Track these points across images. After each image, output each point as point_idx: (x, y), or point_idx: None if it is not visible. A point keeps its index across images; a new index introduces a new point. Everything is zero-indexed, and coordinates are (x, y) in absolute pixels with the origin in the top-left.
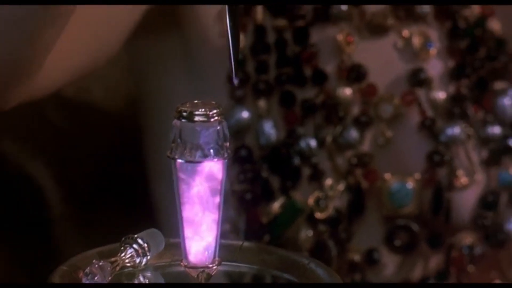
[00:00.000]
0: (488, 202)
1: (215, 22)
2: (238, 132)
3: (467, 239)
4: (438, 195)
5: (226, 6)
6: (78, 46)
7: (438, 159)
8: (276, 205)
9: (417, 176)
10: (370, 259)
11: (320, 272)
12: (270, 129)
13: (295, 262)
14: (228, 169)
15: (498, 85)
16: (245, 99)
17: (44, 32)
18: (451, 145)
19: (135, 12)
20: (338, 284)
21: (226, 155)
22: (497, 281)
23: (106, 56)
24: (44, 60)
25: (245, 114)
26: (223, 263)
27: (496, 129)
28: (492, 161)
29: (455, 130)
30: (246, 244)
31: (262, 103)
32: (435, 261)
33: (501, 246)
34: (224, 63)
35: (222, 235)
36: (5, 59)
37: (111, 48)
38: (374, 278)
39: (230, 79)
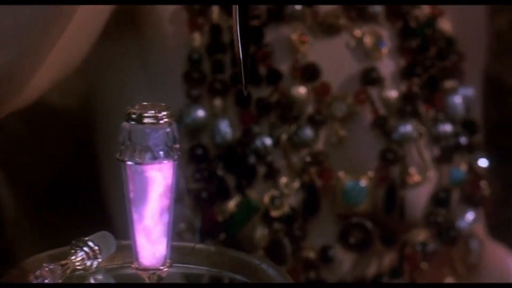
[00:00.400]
0: (440, 199)
1: (171, 21)
2: (194, 131)
3: (420, 236)
4: (391, 193)
5: (236, 6)
6: (58, 52)
7: (391, 156)
8: (232, 204)
9: (371, 174)
10: (325, 256)
11: (272, 272)
12: (225, 128)
13: (247, 263)
14: (181, 169)
15: (449, 84)
16: (201, 99)
17: (43, 40)
18: (403, 142)
19: (105, 13)
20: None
21: (175, 157)
22: (449, 278)
23: (78, 60)
24: (39, 69)
25: (201, 113)
26: (175, 265)
27: (447, 127)
28: (444, 158)
29: (407, 128)
30: (198, 245)
31: (218, 102)
32: (389, 258)
33: (453, 243)
34: (180, 62)
35: (178, 234)
36: (6, 71)
37: (83, 52)
38: (329, 275)
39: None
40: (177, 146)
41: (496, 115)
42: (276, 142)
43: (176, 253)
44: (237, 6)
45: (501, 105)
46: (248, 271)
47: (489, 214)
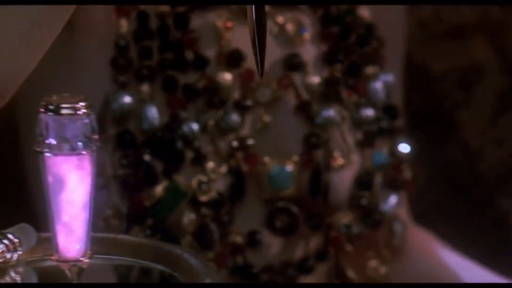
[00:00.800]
0: (363, 182)
1: (98, 7)
2: (121, 117)
3: (344, 218)
4: (316, 177)
5: (252, 6)
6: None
7: (315, 141)
8: (159, 189)
9: (296, 158)
10: (252, 241)
11: (194, 261)
12: (153, 114)
13: (169, 253)
14: (108, 156)
15: (370, 69)
16: (128, 85)
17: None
18: (326, 127)
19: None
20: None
21: (94, 148)
22: (374, 261)
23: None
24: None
25: (127, 99)
26: (96, 256)
27: (369, 112)
28: (366, 142)
29: (330, 113)
30: (120, 236)
31: (145, 88)
32: (315, 241)
33: (377, 226)
34: (107, 49)
35: (104, 220)
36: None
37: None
38: (257, 260)
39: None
40: (96, 136)
41: (420, 102)
42: (203, 128)
43: (97, 245)
44: (253, 6)
45: (425, 92)
46: (171, 261)
47: (411, 197)
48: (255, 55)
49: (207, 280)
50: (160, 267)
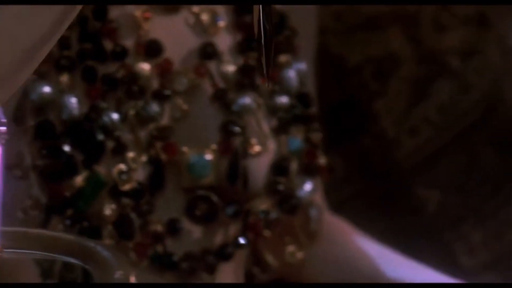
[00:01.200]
0: (280, 169)
1: None
2: (40, 107)
3: (262, 205)
4: (234, 164)
5: (260, 6)
6: None
7: (232, 128)
8: (80, 179)
9: (214, 146)
10: (172, 229)
11: (106, 254)
12: (72, 104)
13: (81, 246)
14: (27, 146)
15: (283, 58)
16: (47, 75)
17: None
18: (243, 114)
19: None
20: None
21: (2, 141)
22: (291, 246)
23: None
24: None
25: (47, 89)
26: (6, 250)
27: (283, 99)
28: (281, 129)
29: (246, 100)
30: (31, 230)
31: (64, 78)
32: (234, 228)
33: (294, 211)
34: None
35: (23, 211)
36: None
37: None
38: (177, 248)
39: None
40: (4, 128)
41: (336, 91)
42: (123, 118)
43: (7, 239)
44: (260, 6)
45: (342, 83)
46: (83, 254)
47: (327, 186)
48: (261, 57)
49: (118, 273)
50: (73, 260)
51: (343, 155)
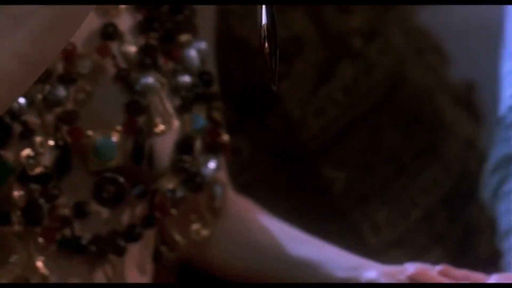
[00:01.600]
0: (184, 147)
1: None
2: None
3: (169, 183)
4: (139, 144)
5: (263, 6)
6: None
7: (136, 108)
8: None
9: (119, 128)
10: (80, 212)
11: None
12: None
13: None
14: None
15: (184, 37)
16: None
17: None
18: (146, 94)
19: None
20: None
21: None
22: (196, 224)
23: None
24: None
25: None
26: None
27: (186, 78)
28: (185, 107)
29: (149, 80)
30: None
31: None
32: (141, 208)
33: (199, 189)
34: None
35: None
36: None
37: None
38: (85, 231)
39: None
40: None
41: (239, 73)
42: (31, 102)
43: None
44: (264, 6)
45: (246, 65)
46: None
47: (229, 160)
48: (266, 61)
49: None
50: None
51: (249, 136)
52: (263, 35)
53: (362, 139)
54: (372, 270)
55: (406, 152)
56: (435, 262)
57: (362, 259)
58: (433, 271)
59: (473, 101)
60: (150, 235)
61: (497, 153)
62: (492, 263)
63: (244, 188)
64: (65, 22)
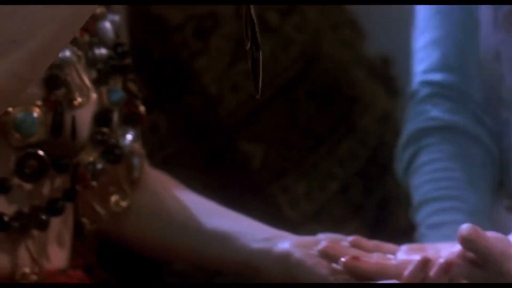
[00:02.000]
0: (103, 119)
1: None
2: None
3: (89, 156)
4: (60, 118)
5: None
6: None
7: (55, 82)
8: None
9: (39, 103)
10: (2, 189)
11: None
12: None
13: None
14: None
15: (98, 9)
16: None
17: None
18: (64, 67)
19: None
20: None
21: None
22: (115, 196)
23: None
24: None
25: None
26: None
27: (102, 51)
28: (101, 80)
29: (66, 53)
30: None
31: None
32: (63, 182)
33: (118, 161)
34: None
35: None
36: None
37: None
38: (8, 208)
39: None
40: None
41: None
42: None
43: None
44: (249, 5)
45: (165, 42)
46: None
47: (145, 131)
48: (253, 69)
49: None
50: None
51: (167, 112)
52: (248, 36)
53: (279, 114)
54: (286, 241)
55: (323, 125)
56: (352, 234)
57: (277, 230)
58: (345, 242)
59: (388, 75)
60: (69, 208)
61: (409, 127)
62: (409, 234)
63: (163, 163)
64: (61, 42)
